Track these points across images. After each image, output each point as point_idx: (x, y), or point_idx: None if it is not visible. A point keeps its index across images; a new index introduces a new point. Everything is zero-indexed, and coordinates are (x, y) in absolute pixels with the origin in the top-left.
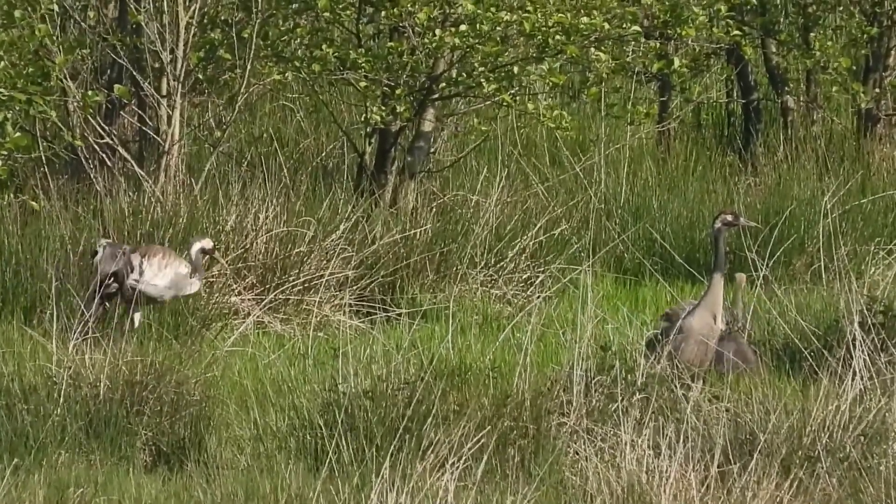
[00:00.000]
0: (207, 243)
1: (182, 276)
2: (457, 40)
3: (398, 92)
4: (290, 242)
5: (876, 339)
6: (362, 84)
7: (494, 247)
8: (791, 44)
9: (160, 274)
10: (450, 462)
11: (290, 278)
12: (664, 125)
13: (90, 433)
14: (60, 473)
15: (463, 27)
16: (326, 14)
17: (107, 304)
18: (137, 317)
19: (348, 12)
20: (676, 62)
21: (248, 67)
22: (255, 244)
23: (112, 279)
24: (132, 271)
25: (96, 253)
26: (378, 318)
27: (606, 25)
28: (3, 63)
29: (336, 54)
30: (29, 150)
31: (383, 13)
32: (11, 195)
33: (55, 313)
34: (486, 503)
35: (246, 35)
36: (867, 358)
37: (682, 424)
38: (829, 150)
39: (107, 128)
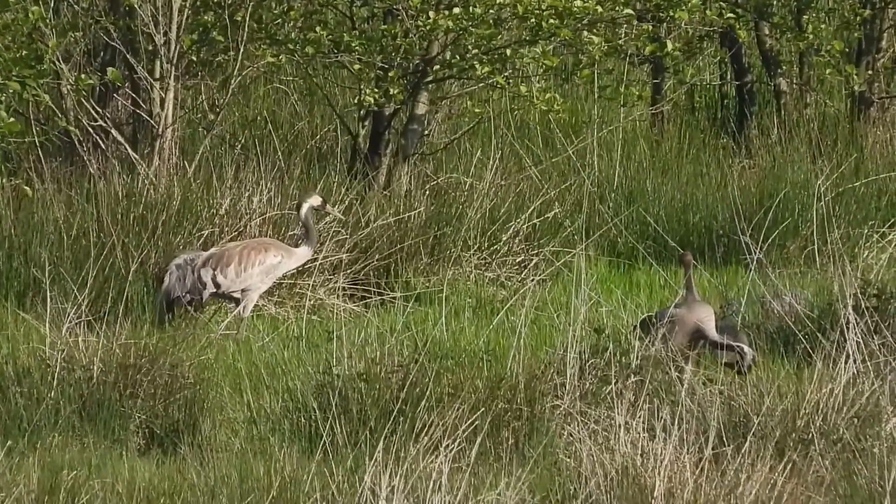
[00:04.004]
0: (315, 200)
1: (274, 265)
2: (450, 23)
3: (392, 74)
4: (284, 225)
5: (869, 322)
6: (356, 67)
7: (488, 230)
8: (784, 26)
9: (240, 279)
10: (444, 444)
11: None
12: (657, 108)
13: (84, 416)
14: (54, 456)
15: (456, 10)
16: None
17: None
18: (250, 305)
19: None
20: (669, 45)
21: (242, 50)
22: (248, 227)
23: (186, 297)
24: (205, 287)
25: (162, 280)
26: (372, 301)
27: (599, 8)
28: None
29: (330, 37)
30: (22, 134)
31: None
32: (4, 179)
33: (48, 296)
34: (480, 485)
35: (239, 17)
36: (861, 341)
37: (676, 407)
38: (823, 132)
39: (100, 110)
